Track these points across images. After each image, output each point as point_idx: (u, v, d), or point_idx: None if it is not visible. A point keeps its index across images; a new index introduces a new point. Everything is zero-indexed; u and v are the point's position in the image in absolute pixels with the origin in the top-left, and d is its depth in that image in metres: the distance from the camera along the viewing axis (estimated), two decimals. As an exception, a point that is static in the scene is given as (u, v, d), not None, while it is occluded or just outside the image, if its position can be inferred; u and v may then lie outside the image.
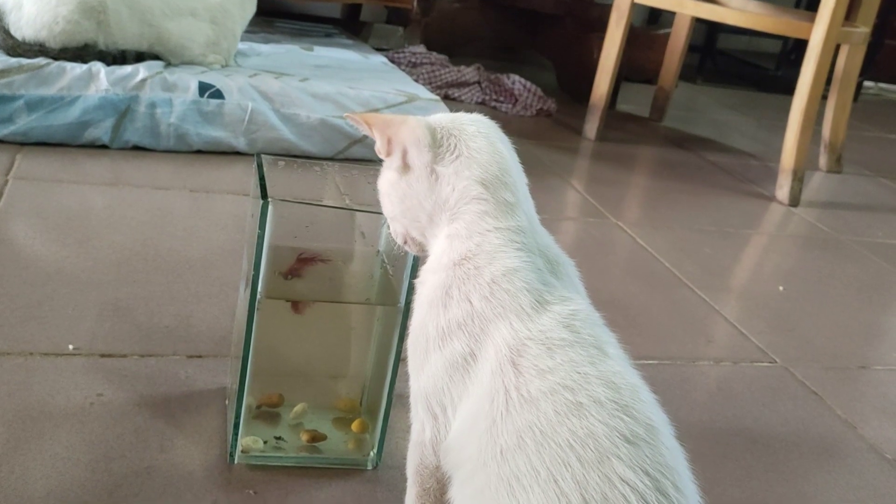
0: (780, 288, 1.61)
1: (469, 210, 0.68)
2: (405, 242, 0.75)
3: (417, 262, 0.77)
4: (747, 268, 1.74)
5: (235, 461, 0.88)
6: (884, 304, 1.63)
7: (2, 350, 1.01)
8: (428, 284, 0.69)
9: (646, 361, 1.23)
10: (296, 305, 0.86)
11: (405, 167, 0.71)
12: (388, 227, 0.77)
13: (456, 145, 0.70)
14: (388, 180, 0.74)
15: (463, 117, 0.74)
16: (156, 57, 1.87)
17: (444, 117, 0.73)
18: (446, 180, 0.69)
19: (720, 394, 1.19)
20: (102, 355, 1.03)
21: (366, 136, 1.85)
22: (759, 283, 1.65)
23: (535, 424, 0.57)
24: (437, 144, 0.70)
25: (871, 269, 1.79)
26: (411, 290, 0.77)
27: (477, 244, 0.67)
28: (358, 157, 1.86)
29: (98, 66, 1.73)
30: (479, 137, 0.71)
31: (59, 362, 1.00)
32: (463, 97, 2.66)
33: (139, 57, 1.83)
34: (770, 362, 1.31)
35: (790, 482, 1.01)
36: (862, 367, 1.34)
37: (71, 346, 1.04)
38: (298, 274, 0.87)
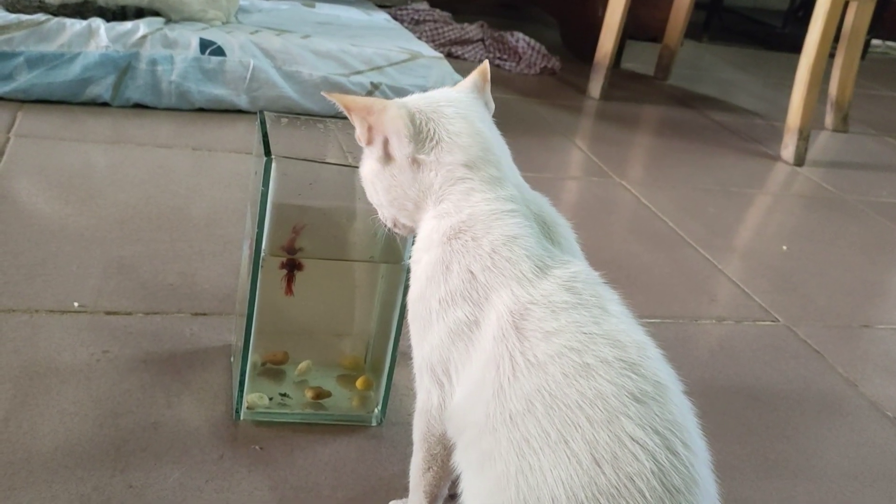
0: (784, 247, 1.61)
1: (455, 190, 0.68)
2: (395, 226, 0.74)
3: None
4: (751, 227, 1.73)
5: (241, 417, 0.89)
6: (887, 264, 1.63)
7: (7, 307, 1.01)
8: (423, 262, 0.68)
9: (648, 320, 1.22)
10: (289, 287, 0.86)
11: (387, 157, 0.70)
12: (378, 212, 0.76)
13: (435, 130, 0.69)
14: (371, 170, 0.72)
15: (440, 98, 0.72)
16: (155, 13, 1.85)
17: (421, 100, 0.72)
18: (428, 167, 0.69)
19: (722, 352, 1.20)
20: (107, 312, 1.04)
21: (369, 95, 1.84)
22: (762, 242, 1.65)
23: (544, 388, 0.58)
24: (418, 132, 0.69)
25: (875, 229, 1.79)
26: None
27: (469, 215, 0.66)
28: (361, 116, 1.84)
29: (98, 23, 1.72)
30: (458, 120, 0.70)
31: (64, 319, 1.01)
32: (466, 55, 2.63)
33: (139, 13, 1.82)
34: (772, 321, 1.31)
35: (791, 439, 1.01)
36: (864, 326, 1.35)
37: (76, 304, 1.04)
38: (297, 247, 0.86)
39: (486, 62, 0.80)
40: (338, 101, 0.70)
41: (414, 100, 0.72)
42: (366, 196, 0.76)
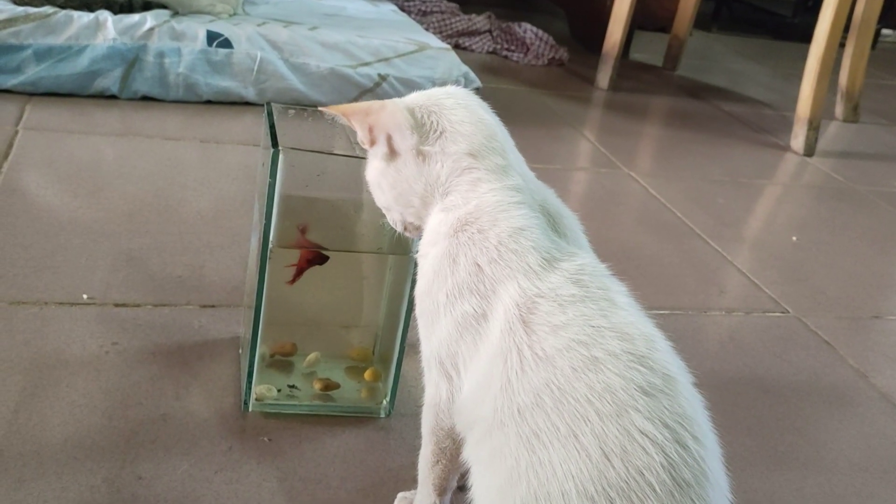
0: (794, 238, 1.60)
1: (462, 181, 0.68)
2: (405, 230, 0.75)
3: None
4: (761, 218, 1.73)
5: (250, 409, 0.89)
6: (898, 255, 1.62)
7: (17, 299, 1.02)
8: (430, 256, 0.68)
9: (657, 311, 1.23)
10: (295, 277, 0.86)
11: (391, 154, 0.70)
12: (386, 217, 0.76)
13: (438, 122, 0.69)
14: (375, 170, 0.72)
15: (438, 92, 0.72)
16: (162, 6, 1.85)
17: (420, 96, 0.72)
18: (434, 158, 0.69)
19: (732, 344, 1.19)
20: (116, 305, 1.04)
21: (377, 87, 1.84)
22: (772, 233, 1.64)
23: (553, 382, 0.57)
24: (420, 125, 0.69)
25: (885, 219, 1.78)
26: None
27: (476, 207, 0.66)
28: (368, 107, 1.84)
29: (105, 15, 1.72)
30: (459, 109, 0.70)
31: (73, 311, 1.01)
32: (474, 46, 2.62)
33: (146, 5, 1.81)
34: (782, 312, 1.30)
35: (801, 431, 1.01)
36: (875, 317, 1.34)
37: (85, 296, 1.04)
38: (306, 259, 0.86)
39: None
40: (335, 111, 0.72)
41: (411, 97, 0.72)
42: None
